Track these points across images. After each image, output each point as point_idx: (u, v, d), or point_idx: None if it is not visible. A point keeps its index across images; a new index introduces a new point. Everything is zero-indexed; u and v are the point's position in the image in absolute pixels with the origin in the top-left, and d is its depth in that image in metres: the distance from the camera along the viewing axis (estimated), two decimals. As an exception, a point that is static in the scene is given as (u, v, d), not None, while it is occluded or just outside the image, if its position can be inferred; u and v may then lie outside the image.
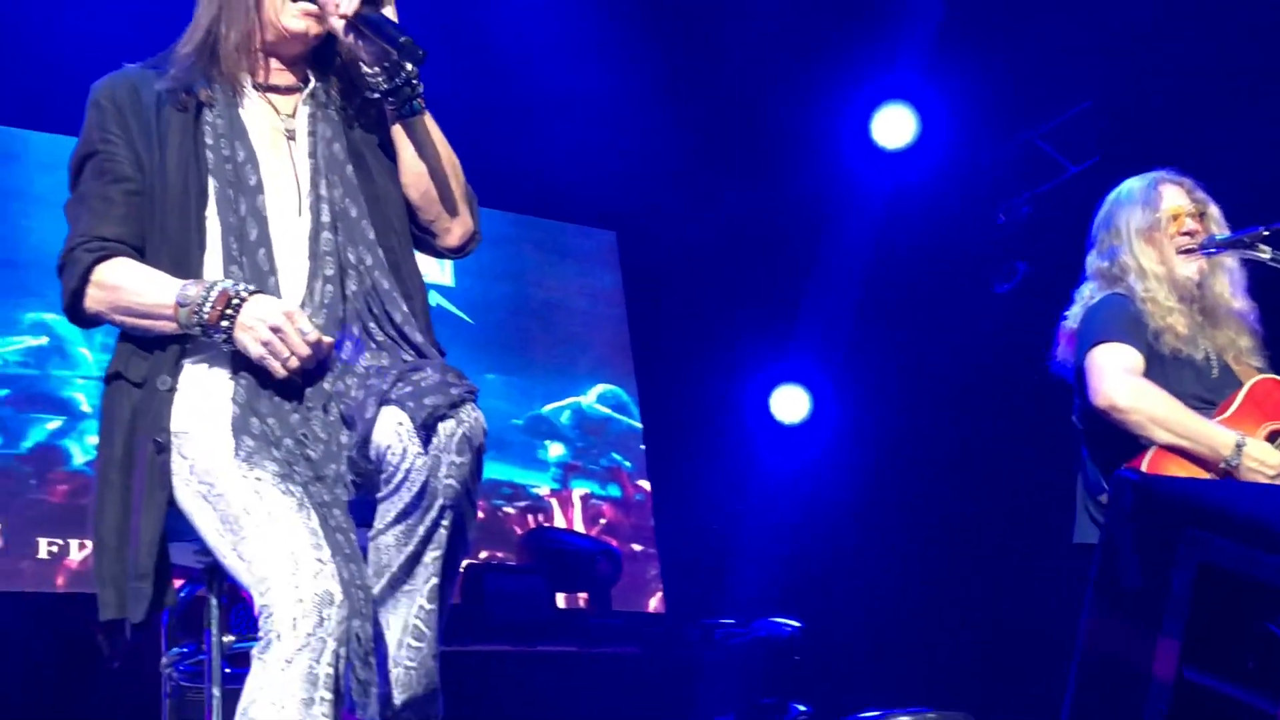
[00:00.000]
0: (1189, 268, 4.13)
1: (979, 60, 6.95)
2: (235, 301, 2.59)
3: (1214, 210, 4.20)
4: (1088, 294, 4.26)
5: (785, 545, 7.90)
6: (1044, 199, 7.18)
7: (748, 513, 8.05)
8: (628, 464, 7.89)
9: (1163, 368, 4.01)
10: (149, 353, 2.67)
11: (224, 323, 2.58)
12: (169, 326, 2.63)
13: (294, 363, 2.58)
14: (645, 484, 7.88)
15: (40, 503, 6.04)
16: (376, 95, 2.82)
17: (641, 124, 7.60)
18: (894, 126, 7.49)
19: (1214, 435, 3.86)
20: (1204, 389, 4.03)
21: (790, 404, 8.18)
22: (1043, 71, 6.88)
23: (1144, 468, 3.82)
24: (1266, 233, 4.02)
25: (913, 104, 7.42)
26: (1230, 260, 4.18)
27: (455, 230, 2.97)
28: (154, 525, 2.56)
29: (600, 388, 8.00)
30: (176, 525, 2.61)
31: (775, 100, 7.53)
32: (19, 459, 6.05)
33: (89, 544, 4.84)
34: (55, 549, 5.97)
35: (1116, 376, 3.92)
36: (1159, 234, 4.13)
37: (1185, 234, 4.13)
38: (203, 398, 2.63)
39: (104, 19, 5.99)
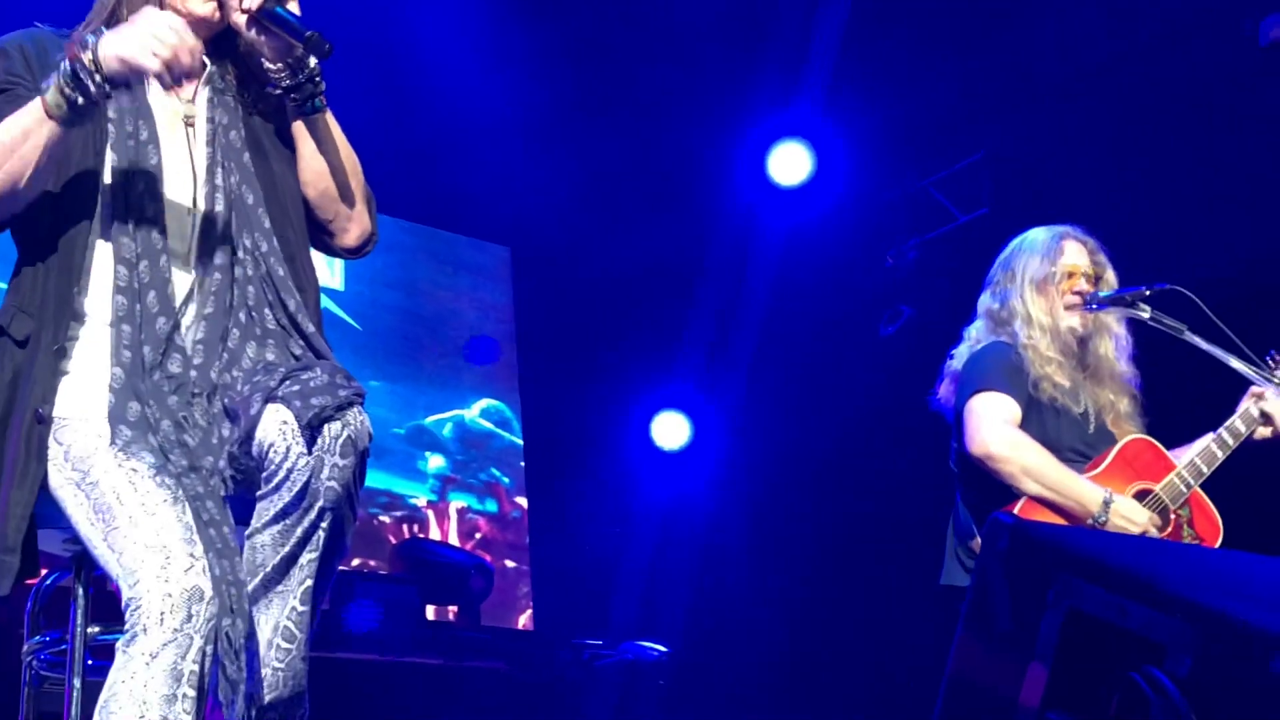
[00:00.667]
0: (1073, 322, 4.19)
1: (876, 103, 7.04)
2: (95, 38, 2.53)
3: (1111, 276, 4.29)
4: (974, 335, 4.33)
5: (658, 570, 7.93)
6: (932, 245, 7.29)
7: (623, 536, 8.07)
8: (506, 480, 7.88)
9: (1041, 417, 4.08)
10: (32, 310, 2.61)
11: (85, 53, 2.49)
12: (46, 129, 2.53)
13: (177, 64, 2.50)
14: (523, 501, 7.87)
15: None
16: (278, 91, 2.80)
17: (544, 145, 7.62)
18: (790, 163, 7.56)
19: (1083, 491, 3.93)
20: (1080, 441, 4.11)
21: (671, 430, 8.22)
22: (938, 119, 7.00)
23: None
24: (1148, 292, 4.10)
25: (809, 141, 7.49)
26: (1116, 325, 4.28)
27: (352, 230, 2.95)
28: (27, 499, 2.51)
29: (484, 402, 7.98)
30: (46, 511, 2.56)
31: (675, 131, 7.58)
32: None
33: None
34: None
35: (993, 426, 3.97)
36: (1051, 286, 4.19)
37: (1076, 293, 4.21)
38: (81, 383, 2.58)
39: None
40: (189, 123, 2.80)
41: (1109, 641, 1.88)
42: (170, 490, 2.46)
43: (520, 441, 7.99)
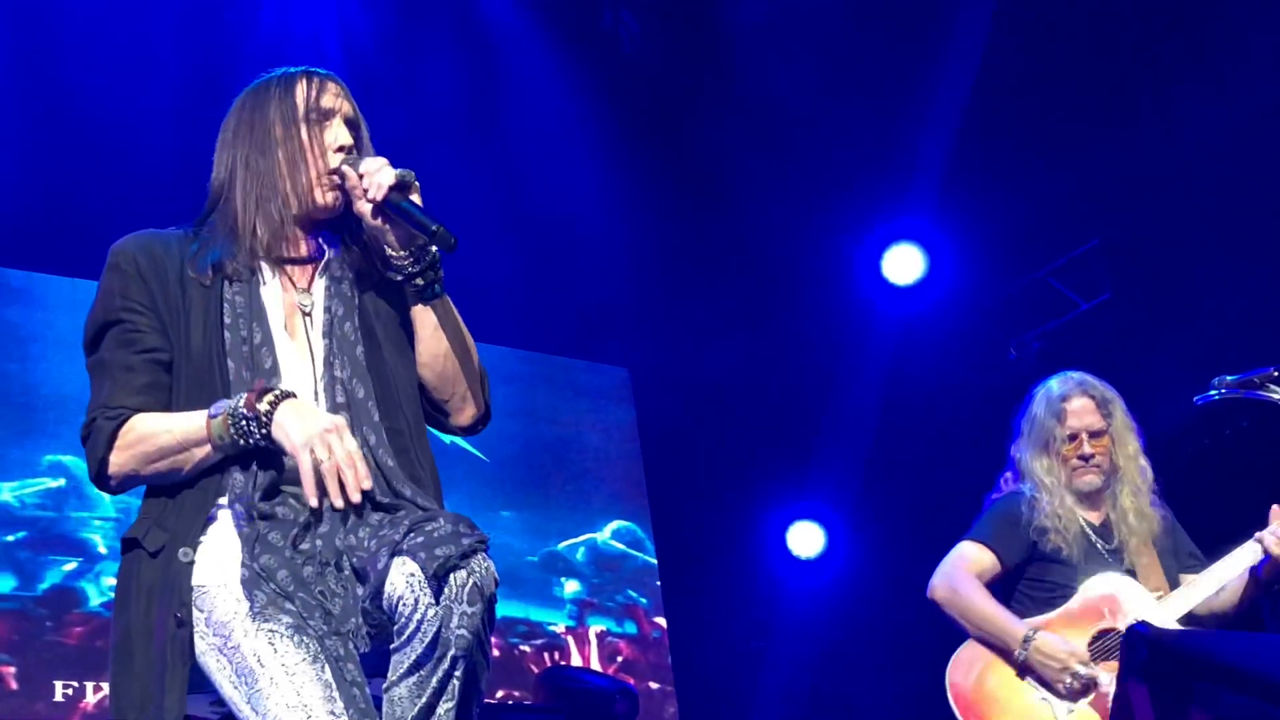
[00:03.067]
0: (1082, 483, 4.43)
1: (985, 201, 7.04)
2: (279, 394, 2.60)
3: (1120, 418, 4.47)
4: (1004, 482, 4.66)
5: (803, 681, 7.84)
6: (1055, 335, 7.22)
7: (765, 649, 8.00)
8: (644, 600, 7.85)
9: (1042, 563, 4.39)
10: (168, 524, 2.67)
11: (262, 405, 2.57)
12: (202, 452, 2.62)
13: (331, 471, 2.55)
14: (661, 620, 7.83)
15: (56, 645, 6.02)
16: (399, 278, 2.83)
17: (655, 261, 7.69)
18: (904, 264, 7.58)
19: (1006, 629, 4.24)
20: (1068, 582, 4.35)
21: (806, 539, 8.15)
22: (1048, 212, 6.97)
23: (949, 666, 4.37)
24: (1277, 373, 4.01)
25: (921, 244, 7.51)
26: (1135, 467, 4.44)
27: (468, 410, 2.98)
28: (178, 702, 2.54)
29: (615, 524, 7.98)
30: (192, 677, 2.60)
31: (788, 239, 7.63)
32: (35, 601, 6.04)
33: (105, 686, 4.81)
34: (70, 691, 5.94)
35: (944, 574, 4.42)
36: (1055, 449, 4.46)
37: (1080, 457, 4.43)
38: (216, 557, 2.63)
39: (120, 167, 6.11)
40: (306, 313, 2.84)
41: (1258, 751, 1.83)
42: (309, 650, 2.49)
43: (654, 560, 7.97)
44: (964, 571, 4.39)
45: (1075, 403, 4.47)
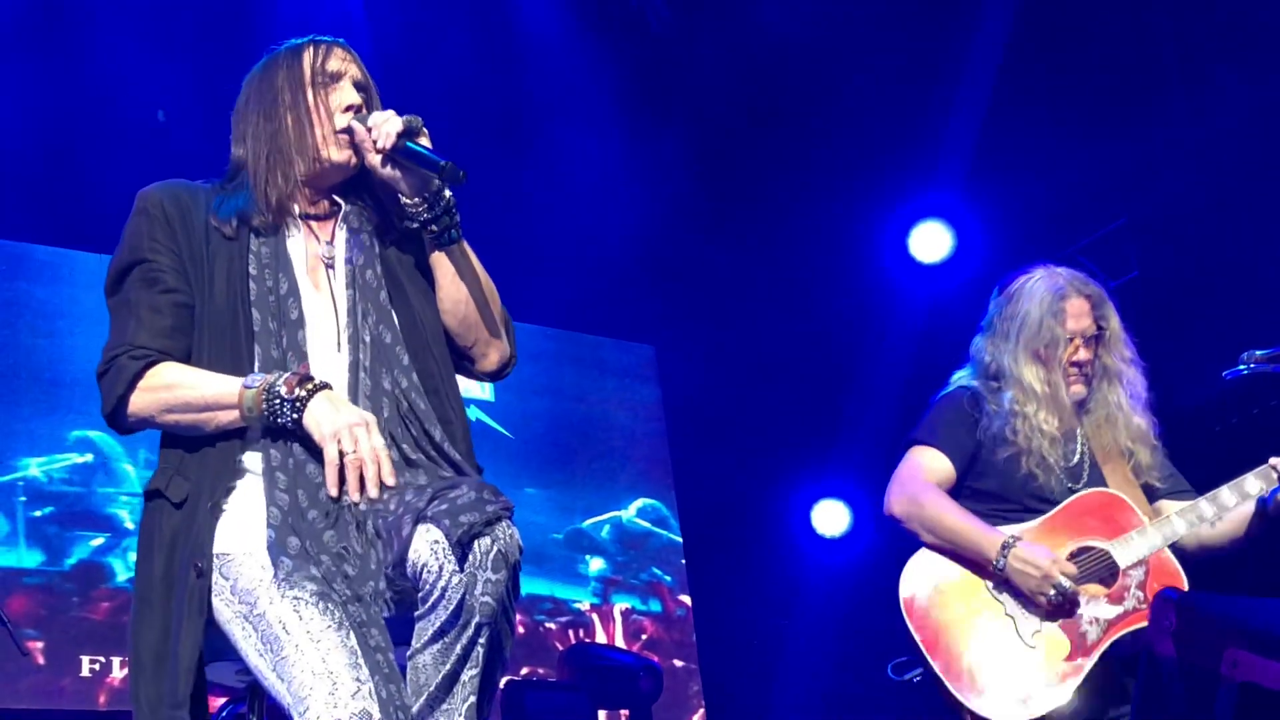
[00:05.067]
0: (1076, 390, 4.09)
1: (1013, 178, 7.01)
2: (319, 383, 2.63)
3: (1115, 324, 4.14)
4: (956, 375, 4.30)
5: (828, 660, 7.83)
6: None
7: (790, 627, 7.99)
8: (668, 578, 7.86)
9: (999, 465, 4.04)
10: (191, 474, 2.69)
11: (300, 391, 2.60)
12: (228, 416, 2.64)
13: (354, 464, 2.58)
14: (686, 599, 7.84)
15: (83, 620, 6.06)
16: (415, 225, 2.86)
17: (680, 239, 7.68)
18: (931, 242, 7.55)
19: (980, 538, 3.88)
20: (1048, 492, 4.00)
21: (831, 518, 8.14)
22: (1076, 191, 6.94)
23: (901, 579, 4.00)
24: (1305, 351, 3.98)
25: (949, 221, 7.48)
26: (1128, 367, 4.12)
27: (492, 355, 2.99)
28: (191, 651, 2.55)
29: (640, 501, 7.99)
30: (218, 644, 2.61)
31: (815, 216, 7.61)
32: (62, 576, 6.08)
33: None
34: (97, 666, 5.98)
35: (903, 486, 4.08)
36: (1052, 354, 4.07)
37: (1074, 364, 4.07)
38: (240, 522, 2.64)
39: (147, 141, 6.12)
40: (329, 264, 2.86)
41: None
42: (334, 617, 2.49)
43: (679, 539, 7.98)
44: (924, 481, 4.03)
45: (1075, 303, 4.09)
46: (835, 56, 7.11)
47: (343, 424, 2.59)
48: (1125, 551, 3.86)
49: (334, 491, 2.59)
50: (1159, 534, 3.87)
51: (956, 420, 4.10)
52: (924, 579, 3.98)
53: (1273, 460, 3.87)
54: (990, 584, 3.90)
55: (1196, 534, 3.92)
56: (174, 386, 2.67)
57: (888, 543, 7.86)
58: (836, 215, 7.62)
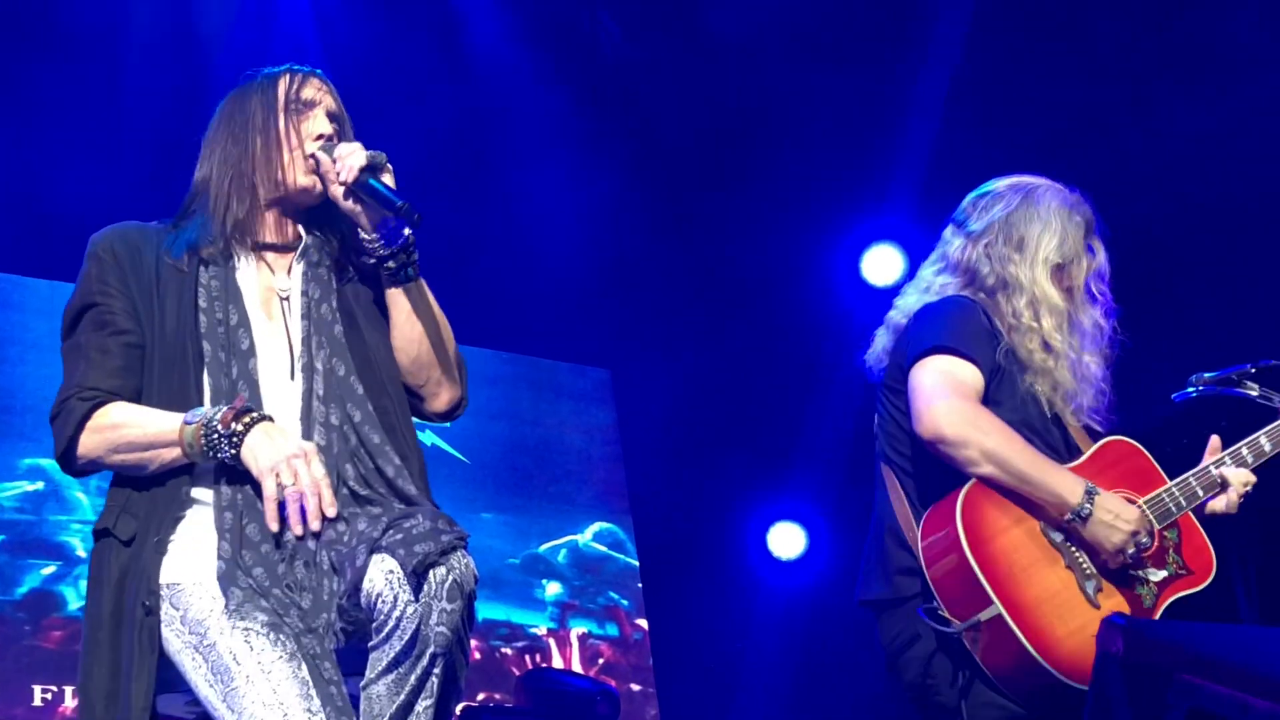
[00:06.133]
0: (1095, 314, 3.62)
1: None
2: (255, 416, 2.62)
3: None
4: (934, 281, 3.69)
5: (786, 683, 7.84)
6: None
7: (747, 650, 8.00)
8: (625, 602, 7.85)
9: (1014, 395, 3.48)
10: (138, 511, 2.68)
11: (236, 425, 2.59)
12: (170, 454, 2.64)
13: (294, 497, 2.57)
14: (643, 622, 7.83)
15: (34, 649, 6.00)
16: (373, 260, 2.86)
17: (635, 263, 7.70)
18: (883, 265, 7.61)
19: (1060, 481, 3.30)
20: (1046, 430, 3.51)
21: (787, 541, 8.16)
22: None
23: (958, 509, 3.27)
24: (1255, 370, 4.01)
25: (901, 245, 7.53)
26: (1093, 313, 3.64)
27: (443, 395, 2.99)
28: (144, 691, 2.54)
29: (597, 525, 7.98)
30: (167, 675, 2.60)
31: (768, 240, 7.64)
32: (13, 605, 6.02)
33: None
34: (49, 696, 5.92)
35: (949, 401, 3.30)
36: (1077, 280, 3.62)
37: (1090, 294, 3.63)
38: (191, 552, 2.63)
39: (100, 169, 6.09)
40: (284, 298, 2.86)
41: (1235, 741, 1.83)
42: (286, 648, 2.49)
43: (636, 562, 7.97)
44: (977, 403, 3.32)
45: (1099, 242, 3.68)
46: (787, 80, 7.14)
47: (280, 457, 2.58)
48: (1159, 510, 3.47)
49: (273, 526, 2.58)
50: (1183, 495, 3.52)
51: (981, 331, 3.45)
52: (984, 515, 3.29)
53: (1219, 470, 3.62)
54: (1050, 530, 3.34)
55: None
56: (119, 426, 2.68)
57: (844, 565, 7.91)
58: (789, 238, 7.65)
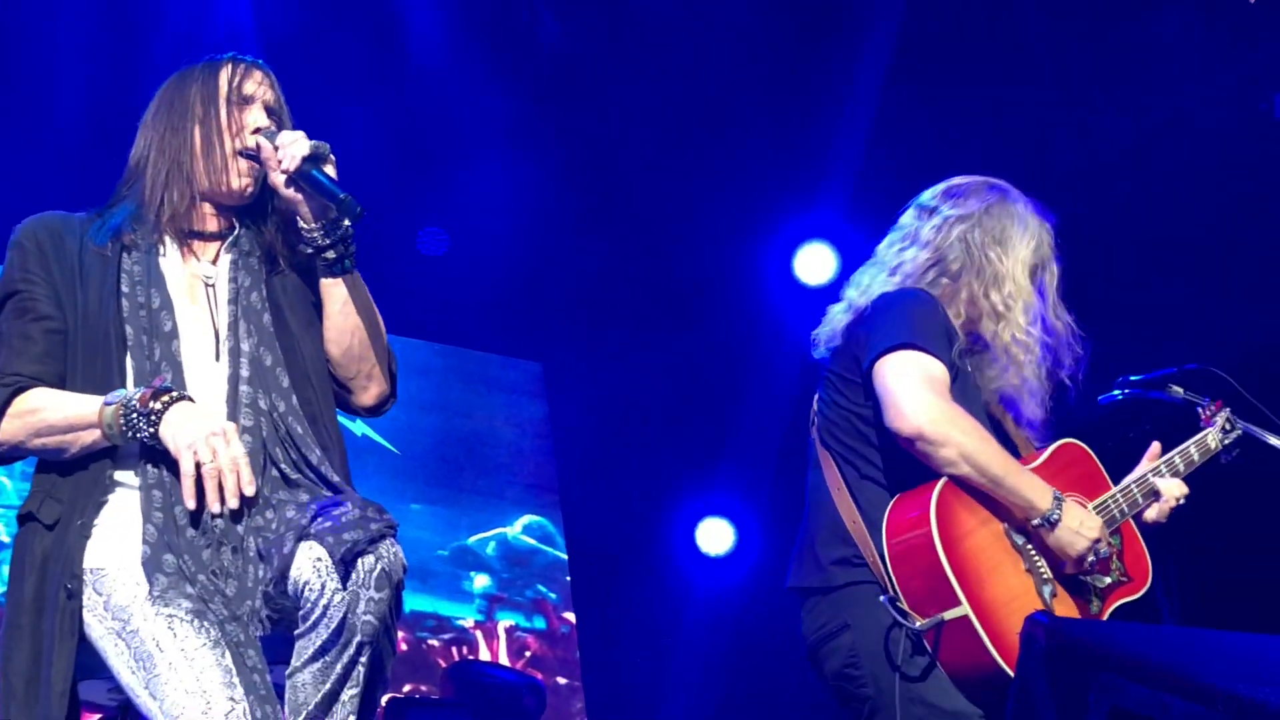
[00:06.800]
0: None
1: (899, 199, 7.08)
2: (173, 396, 2.60)
3: None
4: (904, 261, 3.63)
5: (712, 678, 7.86)
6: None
7: (674, 645, 8.01)
8: (553, 596, 7.85)
9: (971, 396, 3.44)
10: (62, 496, 2.66)
11: (155, 404, 2.57)
12: (90, 436, 2.62)
13: (212, 474, 2.55)
14: (570, 616, 7.83)
15: (-46, 634, 5.92)
16: (310, 250, 2.85)
17: (569, 257, 7.69)
18: (815, 264, 7.63)
19: (1031, 487, 3.28)
20: (994, 433, 3.44)
21: (715, 536, 8.19)
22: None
23: (933, 509, 3.22)
24: (1179, 373, 4.06)
25: (833, 243, 7.56)
26: (1065, 317, 3.64)
27: (372, 389, 2.98)
28: (64, 675, 2.52)
29: (526, 518, 7.98)
30: (89, 661, 2.58)
31: (700, 236, 7.65)
32: (-68, 590, 5.94)
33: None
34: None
35: (928, 397, 3.24)
36: (1049, 284, 3.62)
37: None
38: (116, 537, 2.61)
39: (30, 155, 6.03)
40: (210, 284, 2.84)
41: (1154, 739, 1.86)
42: (209, 635, 2.48)
43: (564, 556, 7.97)
44: (954, 402, 3.28)
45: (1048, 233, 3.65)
46: (721, 76, 7.16)
47: (199, 435, 2.56)
48: (1107, 515, 3.46)
49: (190, 504, 2.57)
50: (1126, 501, 3.54)
51: (942, 330, 3.40)
52: (955, 513, 3.26)
53: (1155, 480, 3.64)
54: (1014, 533, 3.32)
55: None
56: (38, 410, 2.66)
57: (773, 561, 7.95)
58: (722, 234, 7.67)
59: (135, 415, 2.58)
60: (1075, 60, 6.53)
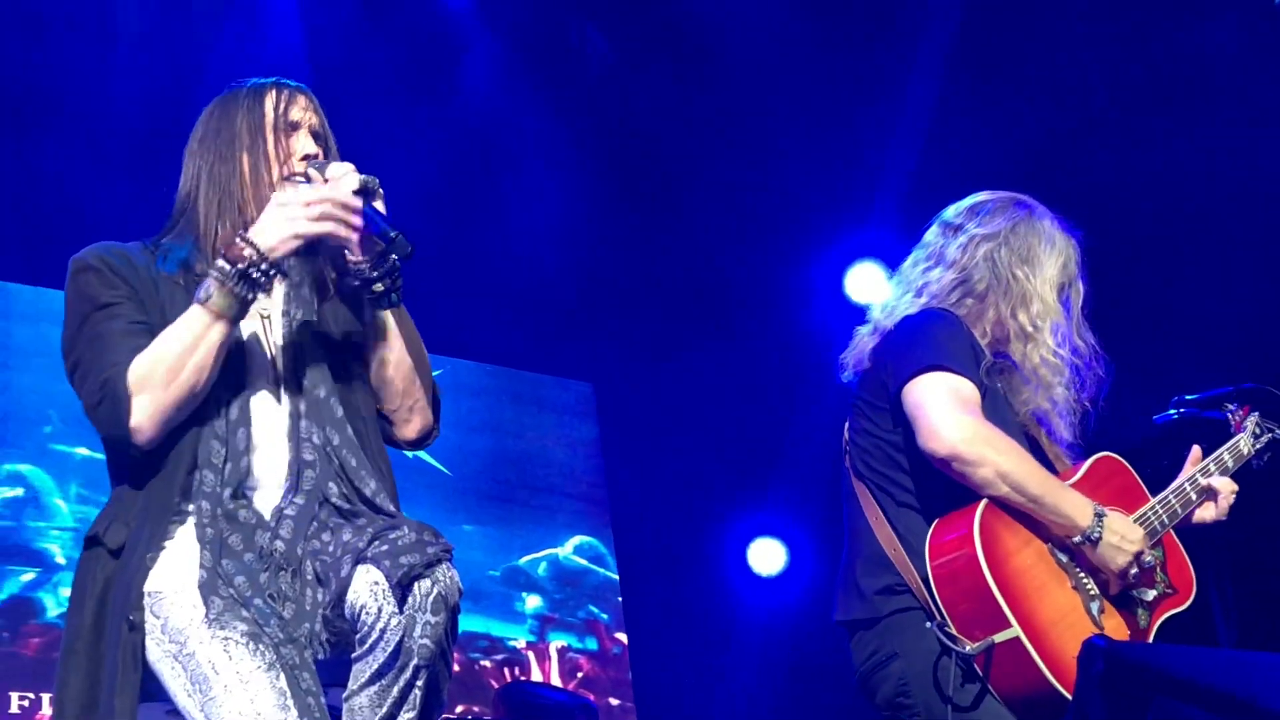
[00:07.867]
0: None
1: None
2: (240, 235, 2.66)
3: None
4: (930, 281, 3.59)
5: (764, 699, 7.84)
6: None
7: (725, 666, 8.00)
8: (605, 616, 7.85)
9: (1003, 414, 3.40)
10: (131, 520, 2.66)
11: (246, 251, 2.62)
12: (218, 336, 2.62)
13: (327, 200, 2.65)
14: (623, 636, 7.83)
15: (12, 656, 5.98)
16: (357, 283, 2.82)
17: (619, 278, 7.71)
18: (866, 282, 7.62)
19: (1070, 503, 3.26)
20: (1031, 450, 3.43)
21: (767, 556, 8.17)
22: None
23: (976, 531, 3.18)
24: (1235, 392, 4.02)
25: (884, 261, 7.55)
26: (1088, 337, 3.61)
27: (415, 421, 2.96)
28: (129, 710, 2.52)
29: (577, 539, 7.98)
30: (147, 685, 2.59)
31: (752, 255, 7.66)
32: (-8, 612, 6.00)
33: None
34: (27, 703, 5.90)
35: (962, 418, 3.21)
36: (1074, 303, 3.58)
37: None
38: (174, 561, 2.63)
39: (86, 173, 6.09)
40: (265, 316, 2.84)
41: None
42: (265, 658, 2.49)
43: (616, 576, 7.97)
44: (989, 422, 3.24)
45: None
46: (774, 96, 7.17)
47: (297, 208, 2.65)
48: (1148, 529, 3.41)
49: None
50: (1166, 513, 3.49)
51: (969, 350, 3.37)
52: (997, 534, 3.22)
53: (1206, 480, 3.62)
54: (1058, 551, 3.30)
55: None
56: (153, 364, 2.61)
57: (825, 581, 7.92)
58: (774, 254, 7.68)
59: (248, 272, 2.62)
60: (1127, 78, 6.50)
